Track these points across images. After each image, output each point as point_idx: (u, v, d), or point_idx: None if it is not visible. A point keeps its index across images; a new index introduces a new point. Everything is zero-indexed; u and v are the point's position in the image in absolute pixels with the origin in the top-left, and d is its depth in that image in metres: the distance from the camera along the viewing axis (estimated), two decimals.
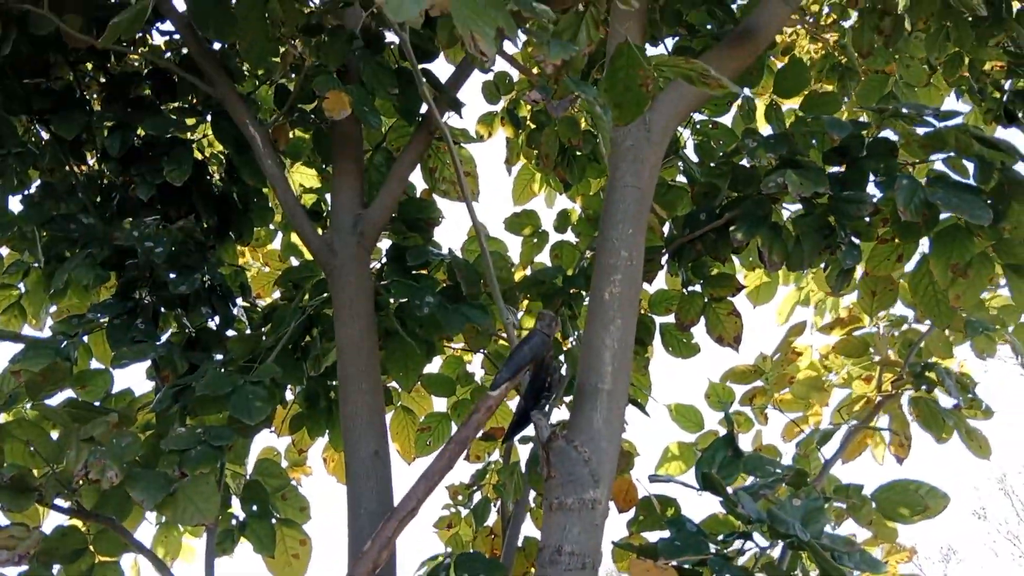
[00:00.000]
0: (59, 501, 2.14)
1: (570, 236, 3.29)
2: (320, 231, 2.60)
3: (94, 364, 2.81)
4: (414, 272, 2.66)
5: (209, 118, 2.82)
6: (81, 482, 2.10)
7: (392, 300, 2.59)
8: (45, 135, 2.86)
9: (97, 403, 2.45)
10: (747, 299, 3.76)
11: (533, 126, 3.40)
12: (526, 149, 3.50)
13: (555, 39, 1.80)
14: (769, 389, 3.30)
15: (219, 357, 2.60)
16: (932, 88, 3.73)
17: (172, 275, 2.54)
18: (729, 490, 2.01)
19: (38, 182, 2.83)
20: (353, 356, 2.35)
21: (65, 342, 2.44)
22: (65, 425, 2.18)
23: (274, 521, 2.41)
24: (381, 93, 2.51)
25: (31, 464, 2.15)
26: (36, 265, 2.81)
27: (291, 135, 3.02)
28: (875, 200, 2.36)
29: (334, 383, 2.75)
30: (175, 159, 2.59)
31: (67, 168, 2.81)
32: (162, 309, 2.68)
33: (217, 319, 2.73)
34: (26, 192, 2.79)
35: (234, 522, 2.40)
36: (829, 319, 3.74)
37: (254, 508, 2.37)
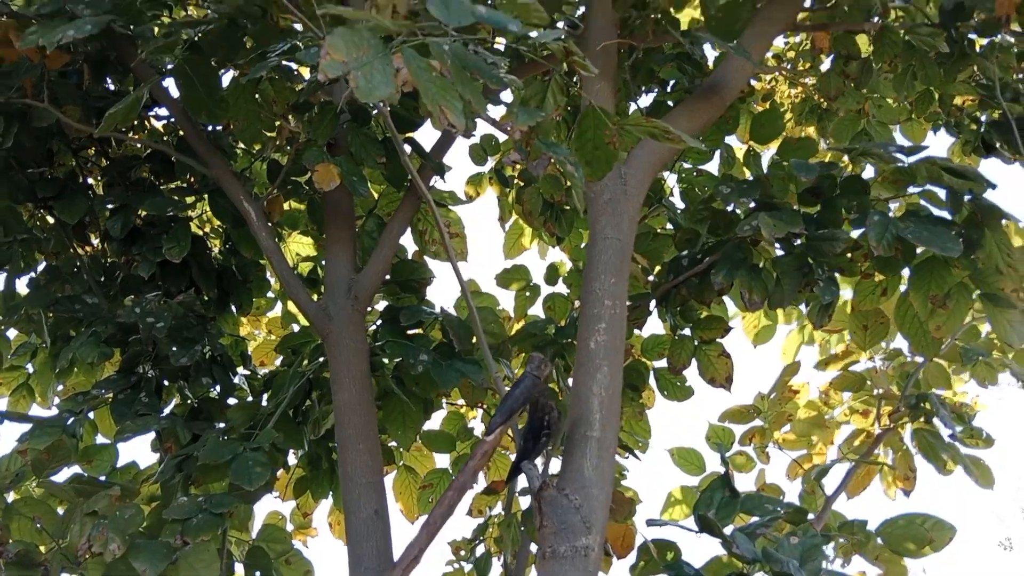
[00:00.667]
0: (65, 575, 2.17)
1: (562, 288, 3.35)
2: (316, 297, 2.67)
3: (100, 439, 2.87)
4: (409, 332, 2.72)
5: (207, 196, 2.93)
6: (88, 556, 2.13)
7: (387, 360, 2.64)
8: (50, 220, 2.98)
9: (103, 478, 2.51)
10: (748, 340, 3.80)
11: (521, 184, 3.50)
12: (516, 206, 3.59)
13: (523, 106, 1.90)
14: (768, 428, 3.31)
15: (221, 426, 2.65)
16: (914, 123, 3.82)
17: (174, 348, 2.61)
18: (727, 531, 2.03)
19: (43, 264, 2.94)
20: (350, 418, 2.39)
21: (71, 419, 2.50)
22: (70, 501, 2.23)
23: None
24: (369, 162, 2.61)
25: (38, 540, 2.19)
26: (43, 346, 2.89)
27: (287, 206, 3.13)
28: (853, 237, 2.42)
29: (335, 445, 2.79)
30: (174, 237, 2.69)
31: (71, 251, 2.92)
32: (165, 381, 2.75)
33: (219, 388, 2.80)
34: (32, 275, 2.90)
35: None
36: None
37: (257, 574, 2.39)
